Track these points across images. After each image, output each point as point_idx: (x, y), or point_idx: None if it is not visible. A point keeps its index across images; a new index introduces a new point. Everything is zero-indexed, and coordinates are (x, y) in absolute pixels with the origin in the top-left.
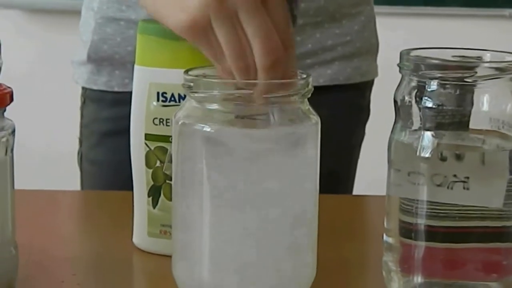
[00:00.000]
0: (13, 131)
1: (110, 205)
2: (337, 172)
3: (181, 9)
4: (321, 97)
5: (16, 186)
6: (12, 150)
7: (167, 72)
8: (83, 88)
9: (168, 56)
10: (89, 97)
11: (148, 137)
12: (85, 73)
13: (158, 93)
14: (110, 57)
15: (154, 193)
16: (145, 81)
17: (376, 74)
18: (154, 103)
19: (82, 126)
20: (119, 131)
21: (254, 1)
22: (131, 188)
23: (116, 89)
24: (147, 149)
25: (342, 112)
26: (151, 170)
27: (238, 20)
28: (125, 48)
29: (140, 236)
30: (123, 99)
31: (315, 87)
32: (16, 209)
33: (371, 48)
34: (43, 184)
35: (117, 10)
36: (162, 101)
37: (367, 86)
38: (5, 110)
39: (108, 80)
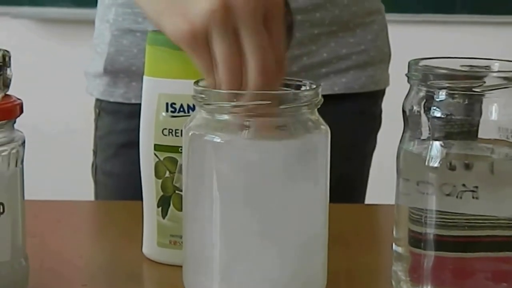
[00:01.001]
0: (23, 143)
1: (120, 216)
2: (351, 180)
3: (182, 16)
4: (336, 106)
5: (26, 197)
6: (22, 161)
7: (176, 83)
8: (97, 100)
9: (177, 66)
10: (105, 109)
11: (157, 147)
12: (101, 85)
13: (167, 103)
14: (126, 69)
15: (164, 203)
16: (154, 91)
17: (387, 83)
18: (163, 113)
19: (96, 138)
20: (136, 143)
21: (257, 20)
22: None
23: (133, 101)
24: (156, 159)
25: (356, 121)
26: (160, 181)
27: (237, 34)
28: (142, 60)
29: (149, 246)
30: (139, 111)
31: (330, 96)
32: (27, 219)
33: (384, 57)
34: (51, 195)
35: (133, 21)
36: (171, 111)
37: (379, 94)
38: (15, 122)
39: (125, 92)
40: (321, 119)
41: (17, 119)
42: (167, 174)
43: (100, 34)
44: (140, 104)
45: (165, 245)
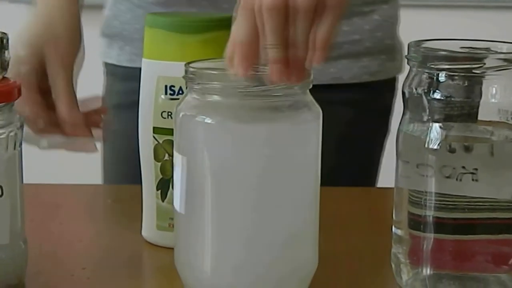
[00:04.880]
0: (22, 125)
1: (120, 199)
2: (338, 166)
3: None
4: (325, 95)
5: (26, 180)
6: (20, 144)
7: (175, 66)
8: (103, 62)
9: (176, 49)
10: (107, 69)
11: (156, 130)
12: (102, 46)
13: (166, 86)
14: (119, 33)
15: (163, 186)
16: (153, 74)
17: (395, 73)
18: (162, 96)
19: (104, 97)
20: (128, 105)
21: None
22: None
23: (125, 64)
24: (156, 142)
25: (347, 112)
26: (159, 164)
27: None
28: (133, 26)
29: (149, 229)
30: (131, 75)
31: (316, 85)
32: (26, 203)
33: (386, 49)
34: (50, 179)
35: None
36: (170, 94)
37: (383, 85)
38: (13, 105)
39: (118, 55)
40: (313, 101)
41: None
42: (166, 157)
43: None
44: (132, 68)
45: (164, 228)
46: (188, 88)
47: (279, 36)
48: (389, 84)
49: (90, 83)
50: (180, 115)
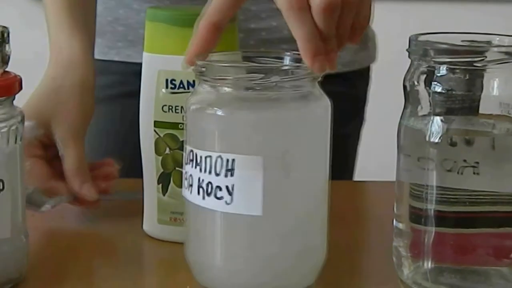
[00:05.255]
0: (22, 119)
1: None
2: None
3: None
4: None
5: None
6: (21, 138)
7: (176, 59)
8: None
9: (177, 43)
10: None
11: (157, 124)
12: None
13: (167, 80)
14: None
15: (164, 180)
16: (154, 68)
17: (368, 62)
18: (163, 90)
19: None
20: (103, 100)
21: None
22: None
23: (97, 57)
24: (156, 136)
25: None
26: (160, 157)
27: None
28: (106, 18)
29: (150, 223)
30: (105, 68)
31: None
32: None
33: None
34: None
35: None
36: (171, 88)
37: (356, 75)
38: (14, 99)
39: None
40: (322, 92)
41: (16, 96)
42: (167, 150)
43: None
44: (104, 61)
45: (165, 222)
46: (197, 81)
47: (334, 30)
48: (363, 74)
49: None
50: (191, 108)
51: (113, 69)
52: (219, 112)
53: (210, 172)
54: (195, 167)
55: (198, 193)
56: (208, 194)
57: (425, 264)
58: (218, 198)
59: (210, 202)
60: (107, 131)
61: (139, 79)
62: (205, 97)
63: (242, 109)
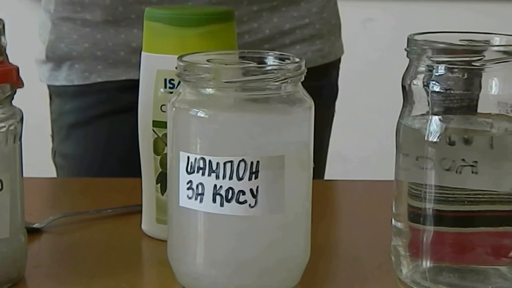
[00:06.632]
0: (22, 119)
1: (120, 192)
2: None
3: None
4: None
5: (26, 174)
6: (20, 138)
7: (174, 59)
8: (47, 86)
9: (175, 42)
10: (54, 92)
11: (155, 124)
12: (47, 71)
13: (165, 79)
14: (67, 54)
15: (163, 179)
16: (152, 68)
17: (341, 53)
18: (162, 89)
19: (52, 122)
20: (85, 122)
21: None
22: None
23: (76, 83)
24: (155, 136)
25: None
26: (159, 157)
27: None
28: (82, 45)
29: (148, 223)
30: (85, 91)
31: None
32: (25, 196)
33: (332, 29)
34: (54, 172)
35: (72, 11)
36: (170, 87)
37: (332, 66)
38: (13, 98)
39: (67, 75)
40: (305, 92)
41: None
42: (166, 150)
43: (43, 23)
44: (84, 85)
45: (164, 221)
46: (181, 82)
47: None
48: (336, 64)
49: (35, 112)
50: (174, 109)
51: (95, 89)
52: (201, 114)
53: (231, 178)
54: (209, 175)
55: (214, 201)
56: (229, 200)
57: (424, 263)
58: (240, 203)
59: (230, 208)
60: (91, 153)
61: (122, 92)
62: (188, 97)
63: (223, 110)
